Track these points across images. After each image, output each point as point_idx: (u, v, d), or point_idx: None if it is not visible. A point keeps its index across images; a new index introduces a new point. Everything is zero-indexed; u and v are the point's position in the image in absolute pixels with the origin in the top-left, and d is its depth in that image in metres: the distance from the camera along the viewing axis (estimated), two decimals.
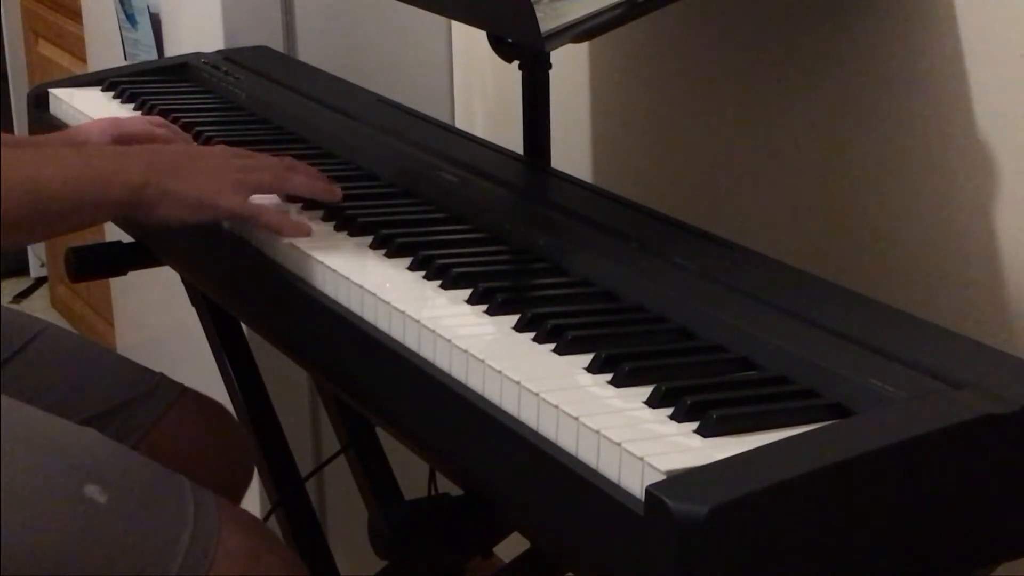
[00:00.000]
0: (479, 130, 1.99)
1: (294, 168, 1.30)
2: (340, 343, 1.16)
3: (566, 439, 0.90)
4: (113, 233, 1.70)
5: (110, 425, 1.37)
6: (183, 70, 1.80)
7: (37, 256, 3.44)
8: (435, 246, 1.21)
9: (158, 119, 1.50)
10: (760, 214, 1.58)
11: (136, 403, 1.41)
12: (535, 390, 0.93)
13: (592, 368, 0.98)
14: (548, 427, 0.92)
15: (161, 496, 1.16)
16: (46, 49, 2.95)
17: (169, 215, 1.22)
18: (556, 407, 0.91)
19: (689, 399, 0.90)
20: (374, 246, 1.23)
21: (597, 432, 0.87)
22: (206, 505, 1.17)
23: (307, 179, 1.30)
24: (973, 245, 1.34)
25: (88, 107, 1.65)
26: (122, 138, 1.42)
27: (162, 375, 1.45)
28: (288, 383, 1.86)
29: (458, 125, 2.05)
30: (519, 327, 1.05)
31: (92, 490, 1.12)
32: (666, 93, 1.70)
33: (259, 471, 1.66)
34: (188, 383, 1.47)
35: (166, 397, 1.43)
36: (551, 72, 1.49)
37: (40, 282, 3.45)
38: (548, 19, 1.31)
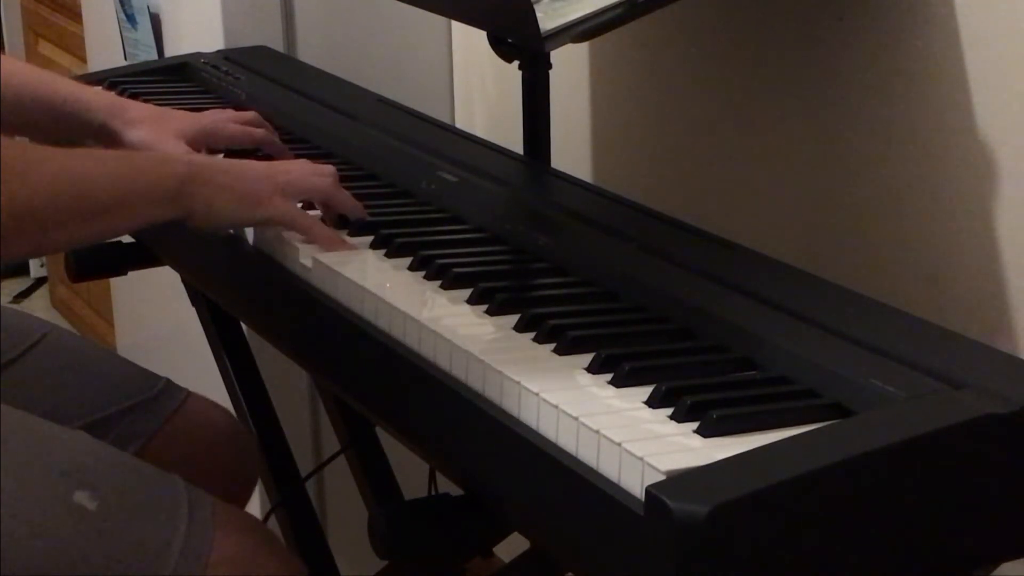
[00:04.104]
0: (479, 130, 1.99)
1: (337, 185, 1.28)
2: (340, 343, 1.16)
3: (566, 439, 0.90)
4: None
5: (113, 430, 1.37)
6: (183, 70, 1.80)
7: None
8: (435, 246, 1.21)
9: (252, 114, 1.46)
10: (760, 214, 1.58)
11: (140, 408, 1.41)
12: (535, 390, 0.93)
13: (592, 368, 0.98)
14: (548, 427, 0.92)
15: (153, 500, 1.16)
16: (46, 49, 2.95)
17: (220, 212, 1.20)
18: (556, 407, 0.91)
19: (689, 399, 0.90)
20: (374, 246, 1.23)
21: (597, 432, 0.87)
22: (201, 507, 1.17)
23: (350, 198, 1.28)
24: (973, 245, 1.34)
25: None
26: (205, 137, 1.41)
27: (167, 380, 1.45)
28: (288, 383, 1.86)
29: (458, 125, 2.05)
30: (519, 327, 1.05)
31: (82, 496, 1.11)
32: (666, 93, 1.70)
33: (259, 471, 1.66)
34: (188, 383, 1.47)
35: (170, 402, 1.43)
36: (551, 72, 1.49)
37: (40, 282, 3.45)
38: (548, 19, 1.31)
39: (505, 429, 0.94)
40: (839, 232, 1.48)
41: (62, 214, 1.13)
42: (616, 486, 0.85)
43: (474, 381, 0.99)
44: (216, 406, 1.48)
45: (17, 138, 1.15)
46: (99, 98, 1.44)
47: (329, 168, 1.30)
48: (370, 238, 1.24)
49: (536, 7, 1.29)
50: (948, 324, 1.06)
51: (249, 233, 1.30)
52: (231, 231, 1.31)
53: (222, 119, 1.45)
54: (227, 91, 1.70)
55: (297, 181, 1.25)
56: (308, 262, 1.20)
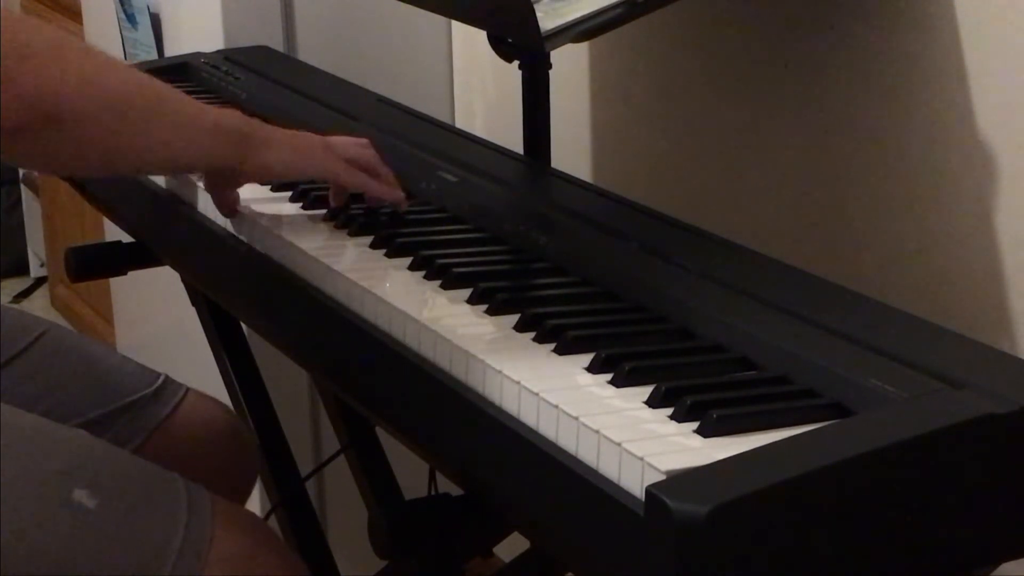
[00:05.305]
0: (479, 130, 1.99)
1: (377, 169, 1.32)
2: (340, 343, 1.16)
3: (566, 439, 0.90)
4: (113, 233, 1.70)
5: (114, 427, 1.37)
6: (183, 70, 1.80)
7: (37, 256, 3.44)
8: (435, 246, 1.21)
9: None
10: (760, 214, 1.58)
11: (140, 405, 1.41)
12: (535, 390, 0.93)
13: (592, 368, 0.98)
14: (548, 427, 0.92)
15: (153, 498, 1.16)
16: None
17: (277, 160, 1.24)
18: (556, 407, 0.91)
19: (689, 399, 0.90)
20: (374, 246, 1.23)
21: (597, 432, 0.87)
22: (201, 505, 1.17)
23: (392, 175, 1.32)
24: (973, 245, 1.34)
25: None
26: None
27: (165, 376, 1.45)
28: (288, 383, 1.85)
29: (458, 125, 2.05)
30: (519, 327, 1.05)
31: (81, 494, 1.11)
32: (665, 93, 1.70)
33: (259, 471, 1.66)
34: (188, 383, 1.47)
35: (169, 399, 1.43)
36: (551, 72, 1.49)
37: (40, 282, 3.45)
38: (548, 19, 1.31)
39: (505, 429, 0.94)
40: (838, 232, 1.48)
41: (143, 116, 1.17)
42: (616, 486, 0.85)
43: (474, 381, 0.99)
44: (215, 402, 1.48)
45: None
46: None
47: (366, 140, 1.33)
48: (370, 238, 1.24)
49: (536, 7, 1.29)
50: (948, 324, 1.06)
51: (245, 231, 1.30)
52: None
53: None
54: (227, 91, 1.70)
55: (343, 145, 1.29)
56: (308, 262, 1.20)
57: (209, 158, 1.24)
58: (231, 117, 1.24)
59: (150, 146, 1.19)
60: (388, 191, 1.29)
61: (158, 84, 1.21)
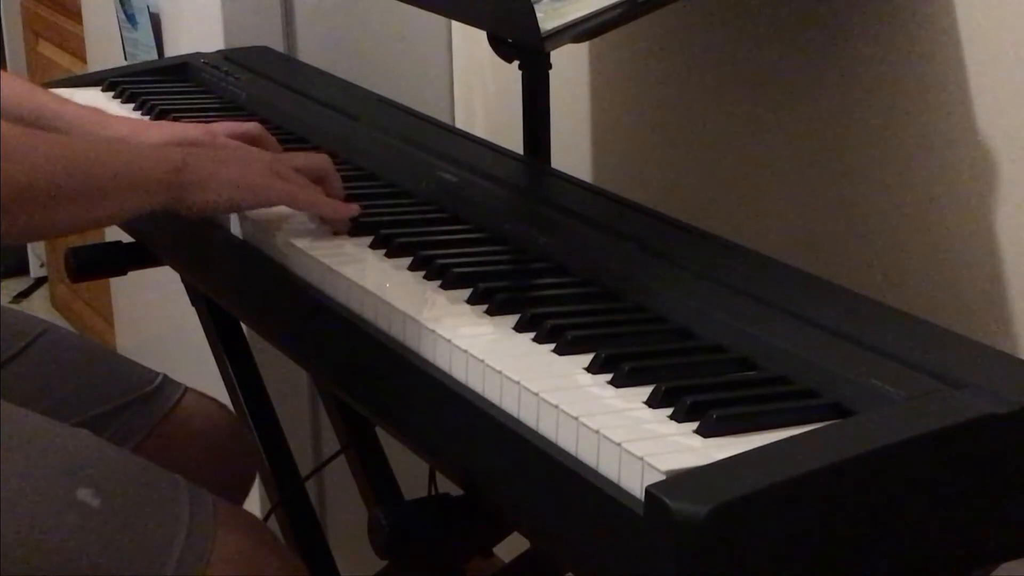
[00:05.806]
0: (479, 130, 1.99)
1: (328, 179, 1.30)
2: (340, 343, 1.16)
3: (566, 439, 0.90)
4: (113, 233, 1.70)
5: (112, 426, 1.37)
6: (183, 70, 1.80)
7: (37, 256, 3.44)
8: (435, 246, 1.21)
9: (253, 127, 1.42)
10: (760, 213, 1.58)
11: (139, 404, 1.41)
12: (535, 390, 0.93)
13: (592, 368, 0.98)
14: (548, 427, 0.92)
15: (155, 498, 1.16)
16: (46, 49, 2.95)
17: (216, 198, 1.21)
18: (556, 407, 0.91)
19: (689, 399, 0.90)
20: (374, 246, 1.23)
21: (597, 432, 0.88)
22: (202, 506, 1.17)
23: (332, 197, 1.29)
24: (973, 245, 1.34)
25: None
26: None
27: (164, 375, 1.45)
28: (288, 383, 1.85)
29: (458, 125, 2.05)
30: (519, 327, 1.05)
31: (85, 494, 1.11)
32: (666, 93, 1.70)
33: (259, 471, 1.66)
34: (188, 383, 1.47)
35: (167, 398, 1.43)
36: (551, 72, 1.49)
37: (40, 282, 3.45)
38: (548, 19, 1.31)
39: (505, 429, 0.95)
40: (839, 232, 1.48)
41: (59, 196, 1.14)
42: (616, 486, 0.85)
43: (474, 381, 0.99)
44: (214, 402, 1.49)
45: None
46: (78, 114, 1.43)
47: (325, 157, 1.32)
48: (370, 238, 1.24)
49: (536, 7, 1.29)
50: (948, 324, 1.06)
51: (245, 231, 1.30)
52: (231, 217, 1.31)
53: (216, 133, 1.41)
54: (227, 91, 1.70)
55: (289, 158, 1.28)
56: (308, 262, 1.20)
57: (144, 208, 1.21)
58: (163, 164, 1.20)
59: (80, 217, 1.17)
60: (337, 208, 1.26)
61: (81, 153, 1.17)
